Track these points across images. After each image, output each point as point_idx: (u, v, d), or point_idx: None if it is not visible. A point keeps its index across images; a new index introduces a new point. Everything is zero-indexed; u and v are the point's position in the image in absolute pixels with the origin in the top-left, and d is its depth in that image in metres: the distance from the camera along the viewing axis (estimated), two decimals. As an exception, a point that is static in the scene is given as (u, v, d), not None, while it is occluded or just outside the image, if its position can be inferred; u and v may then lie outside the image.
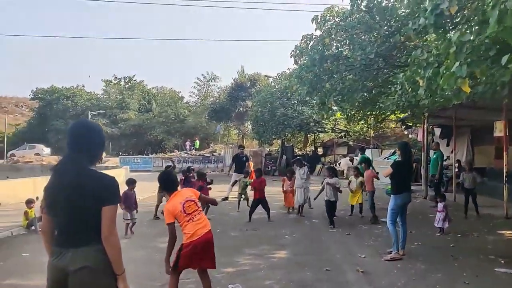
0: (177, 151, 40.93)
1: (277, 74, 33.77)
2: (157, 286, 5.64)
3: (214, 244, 4.68)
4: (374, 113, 13.24)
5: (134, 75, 58.37)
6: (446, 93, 5.89)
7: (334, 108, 15.42)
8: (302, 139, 32.49)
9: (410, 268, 6.46)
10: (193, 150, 39.76)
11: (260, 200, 10.78)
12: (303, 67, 11.43)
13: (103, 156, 38.99)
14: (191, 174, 11.62)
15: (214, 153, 35.76)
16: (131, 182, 9.39)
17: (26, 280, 5.95)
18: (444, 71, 5.11)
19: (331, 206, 10.12)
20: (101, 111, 46.87)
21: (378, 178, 11.34)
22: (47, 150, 43.63)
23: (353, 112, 13.28)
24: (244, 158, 15.15)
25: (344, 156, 27.58)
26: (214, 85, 54.01)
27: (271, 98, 28.21)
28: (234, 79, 44.97)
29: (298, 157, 13.63)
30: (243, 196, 12.39)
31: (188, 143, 42.78)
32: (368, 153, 24.79)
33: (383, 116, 14.47)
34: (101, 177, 2.77)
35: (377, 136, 28.46)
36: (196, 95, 55.37)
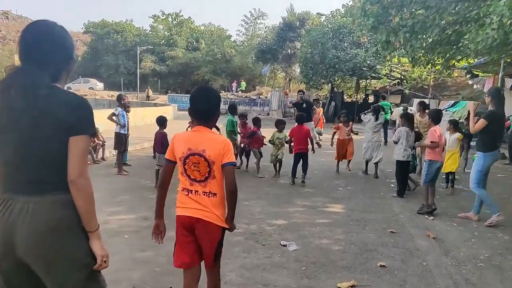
0: (223, 91, 40.23)
1: (331, 12, 31.66)
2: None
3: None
4: (446, 55, 11.64)
5: (180, 11, 57.16)
6: None
7: (395, 52, 13.95)
8: (353, 85, 30.92)
9: (490, 238, 5.52)
10: (239, 92, 38.96)
11: (301, 155, 8.43)
12: (370, -3, 10.01)
13: (151, 93, 38.98)
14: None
15: (260, 96, 34.83)
16: (163, 121, 7.87)
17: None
18: None
19: (404, 169, 7.69)
20: (149, 47, 46.26)
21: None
22: (100, 85, 44.27)
23: (420, 54, 11.74)
24: (304, 104, 13.01)
25: (397, 105, 25.95)
26: (262, 23, 52.33)
27: (323, 39, 26.53)
28: (282, 18, 43.02)
29: (374, 105, 11.30)
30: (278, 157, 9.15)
31: (234, 84, 41.93)
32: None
33: (454, 61, 12.80)
34: (68, 96, 1.95)
35: (435, 86, 26.44)
36: (243, 34, 53.80)
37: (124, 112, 9.33)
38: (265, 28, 50.07)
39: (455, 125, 8.18)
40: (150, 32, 55.77)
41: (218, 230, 2.81)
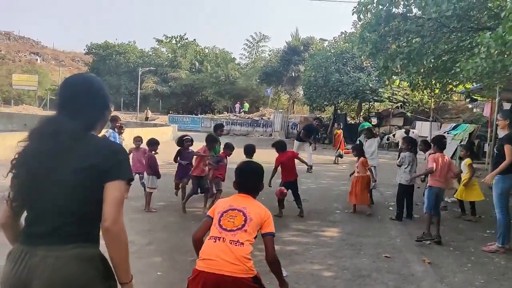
0: (226, 112, 40.46)
1: (333, 37, 32.05)
2: (188, 260, 4.97)
3: None
4: (442, 81, 11.79)
5: (185, 34, 57.91)
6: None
7: (394, 77, 14.05)
8: (356, 108, 31.02)
9: (487, 263, 5.44)
10: (242, 113, 39.18)
11: (290, 184, 7.58)
12: (367, 26, 10.23)
13: (150, 114, 39.22)
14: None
15: (263, 117, 34.99)
16: (153, 143, 7.75)
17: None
18: None
19: (406, 193, 7.67)
20: (151, 68, 46.83)
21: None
22: (99, 105, 44.45)
23: (418, 79, 11.91)
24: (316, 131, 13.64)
25: (400, 127, 25.98)
26: (264, 45, 52.89)
27: (326, 63, 26.82)
28: (287, 42, 43.64)
29: (369, 126, 11.09)
30: None
31: (237, 105, 42.20)
32: (426, 126, 23.23)
33: (451, 86, 12.96)
34: (103, 143, 1.96)
35: (436, 109, 26.48)
36: (246, 57, 54.41)
37: (116, 134, 9.09)
38: (269, 51, 50.73)
39: (468, 149, 8.23)
40: (153, 54, 56.57)
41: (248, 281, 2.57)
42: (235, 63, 53.05)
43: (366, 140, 9.67)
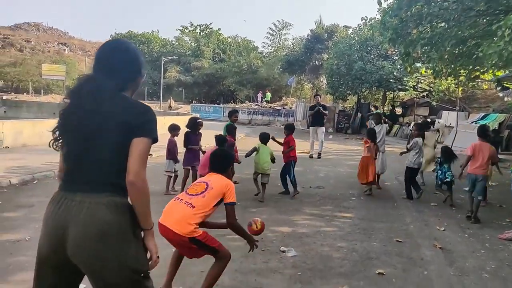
0: (248, 102, 40.46)
1: (358, 25, 31.50)
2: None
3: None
4: (468, 67, 11.44)
5: (211, 23, 57.99)
6: None
7: (418, 64, 13.74)
8: (380, 97, 30.58)
9: (501, 250, 5.35)
10: (264, 103, 39.13)
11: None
12: (388, 11, 10.04)
13: (173, 103, 39.58)
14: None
15: (285, 106, 34.84)
16: (175, 128, 7.82)
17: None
18: None
19: (413, 174, 8.15)
20: (174, 57, 47.10)
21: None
22: (123, 95, 45.01)
23: (441, 66, 11.60)
24: (322, 107, 13.45)
25: (425, 117, 25.45)
26: (287, 33, 52.46)
27: (349, 51, 26.45)
28: (311, 30, 43.12)
29: (377, 111, 11.57)
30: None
31: (259, 95, 42.11)
32: (453, 116, 22.68)
33: (477, 72, 12.55)
34: (134, 102, 2.10)
35: (464, 98, 25.82)
36: (269, 46, 54.08)
37: None
38: (292, 39, 50.28)
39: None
40: (176, 43, 56.85)
41: (186, 240, 3.15)
42: (258, 52, 52.84)
43: (374, 126, 9.59)
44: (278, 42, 52.62)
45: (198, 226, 3.18)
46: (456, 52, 10.60)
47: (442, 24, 9.57)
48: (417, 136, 8.28)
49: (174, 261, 3.51)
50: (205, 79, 49.22)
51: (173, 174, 7.77)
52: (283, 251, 4.81)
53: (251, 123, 30.99)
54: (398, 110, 30.22)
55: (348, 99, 31.54)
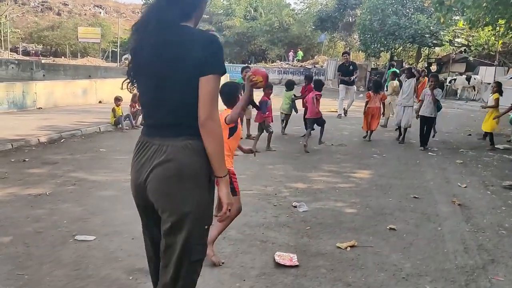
0: (279, 61, 39.84)
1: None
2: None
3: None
4: (506, 17, 10.71)
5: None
6: None
7: (457, 17, 12.94)
8: (414, 54, 29.43)
9: (523, 206, 5.18)
10: (295, 61, 38.45)
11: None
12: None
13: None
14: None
15: (316, 65, 34.13)
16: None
17: (90, 175, 5.83)
18: None
19: (426, 123, 8.43)
20: (205, 16, 46.47)
21: None
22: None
23: (478, 15, 10.89)
24: (351, 67, 13.03)
25: (461, 74, 24.39)
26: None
27: (383, 5, 25.34)
28: (345, -16, 41.53)
29: (409, 67, 11.58)
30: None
31: (291, 53, 41.30)
32: (491, 72, 21.62)
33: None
34: (199, 33, 1.92)
35: (505, 52, 24.48)
36: (301, 2, 52.41)
37: None
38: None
39: (498, 87, 9.08)
40: (209, 2, 55.95)
41: None
42: (290, 9, 51.41)
43: (406, 80, 9.41)
44: (312, -3, 50.92)
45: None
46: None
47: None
48: (435, 87, 8.41)
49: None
50: (236, 38, 48.47)
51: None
52: (295, 206, 4.82)
53: (281, 82, 30.62)
54: (434, 68, 29.09)
55: (381, 57, 30.52)
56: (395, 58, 28.86)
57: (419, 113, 8.52)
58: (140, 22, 1.97)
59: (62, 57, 45.92)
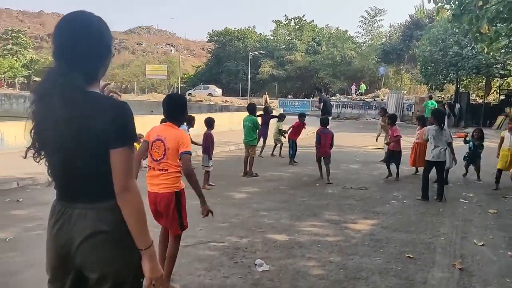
0: (338, 95, 39.04)
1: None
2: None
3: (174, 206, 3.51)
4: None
5: (304, 15, 57.19)
6: None
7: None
8: (483, 85, 27.40)
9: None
10: (354, 95, 37.46)
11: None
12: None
13: (267, 98, 39.60)
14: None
15: (376, 98, 32.92)
16: (210, 122, 7.73)
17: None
18: None
19: (432, 169, 7.19)
20: (261, 51, 46.96)
21: None
22: (218, 91, 46.01)
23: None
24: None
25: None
26: (381, 19, 49.64)
27: (444, 35, 24.04)
28: (410, 16, 40.43)
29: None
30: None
31: (353, 86, 40.43)
32: None
33: None
34: (105, 103, 1.76)
35: None
36: (362, 35, 51.56)
37: (185, 127, 8.86)
38: (389, 26, 47.56)
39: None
40: (271, 37, 56.94)
41: (169, 195, 3.45)
42: (352, 42, 50.77)
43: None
44: (372, 30, 49.94)
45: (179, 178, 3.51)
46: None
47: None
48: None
49: (162, 238, 3.76)
50: (298, 73, 48.59)
51: (210, 169, 7.65)
52: (256, 265, 4.25)
53: (339, 117, 29.80)
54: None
55: (444, 89, 28.78)
56: (462, 90, 27.07)
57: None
58: (42, 90, 1.76)
59: (132, 93, 48.63)
